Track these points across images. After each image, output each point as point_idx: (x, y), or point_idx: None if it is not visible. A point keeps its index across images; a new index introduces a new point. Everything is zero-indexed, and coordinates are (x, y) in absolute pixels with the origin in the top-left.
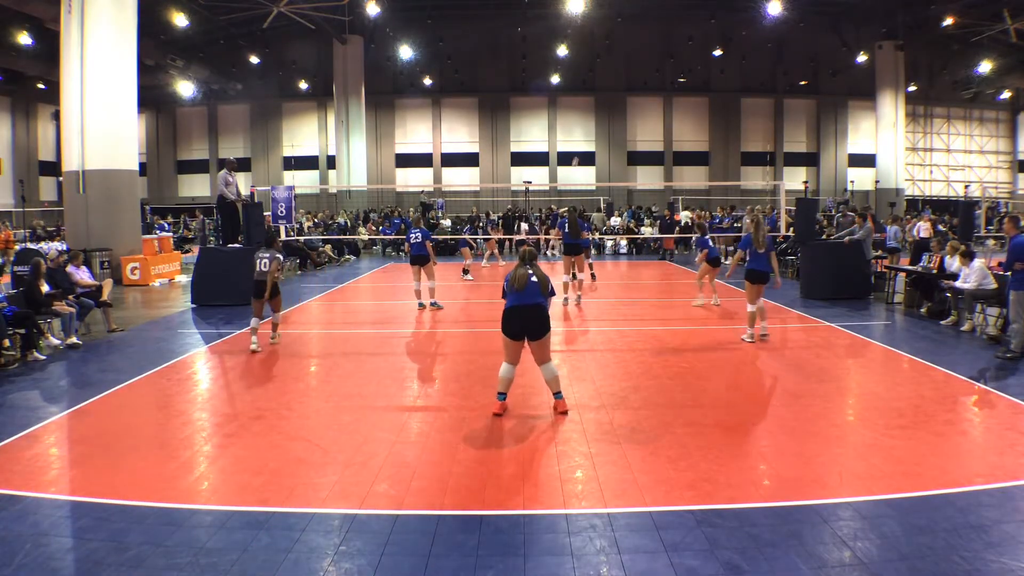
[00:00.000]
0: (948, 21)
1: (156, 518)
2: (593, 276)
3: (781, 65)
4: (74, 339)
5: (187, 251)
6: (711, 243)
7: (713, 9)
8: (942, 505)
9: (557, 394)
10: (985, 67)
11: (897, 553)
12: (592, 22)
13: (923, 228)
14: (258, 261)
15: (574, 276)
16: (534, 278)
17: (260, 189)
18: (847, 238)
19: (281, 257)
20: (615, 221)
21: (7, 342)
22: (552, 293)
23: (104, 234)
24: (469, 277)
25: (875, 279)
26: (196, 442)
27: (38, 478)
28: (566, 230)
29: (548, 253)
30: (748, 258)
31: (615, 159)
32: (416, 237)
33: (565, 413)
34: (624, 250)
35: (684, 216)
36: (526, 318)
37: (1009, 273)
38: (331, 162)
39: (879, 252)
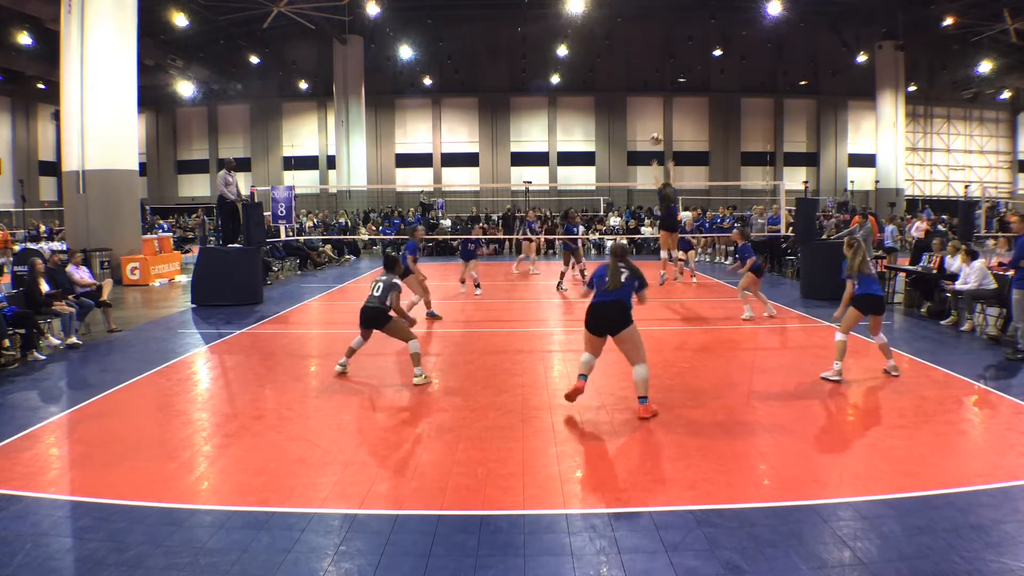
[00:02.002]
0: (948, 21)
1: (156, 518)
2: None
3: (781, 65)
4: (74, 339)
5: (187, 251)
6: (753, 251)
7: (713, 9)
8: (942, 505)
9: (641, 399)
10: (985, 67)
11: (897, 553)
12: (592, 22)
13: (919, 228)
14: (373, 285)
15: (670, 256)
16: (623, 276)
17: (260, 189)
18: (848, 238)
19: (399, 286)
20: (614, 221)
21: (7, 342)
22: (643, 286)
23: (104, 234)
24: (478, 292)
25: None
26: (196, 442)
27: (38, 478)
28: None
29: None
30: (858, 284)
31: (615, 159)
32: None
33: (644, 419)
34: None
35: (684, 216)
36: (603, 315)
37: (1011, 272)
38: (331, 162)
39: (878, 252)
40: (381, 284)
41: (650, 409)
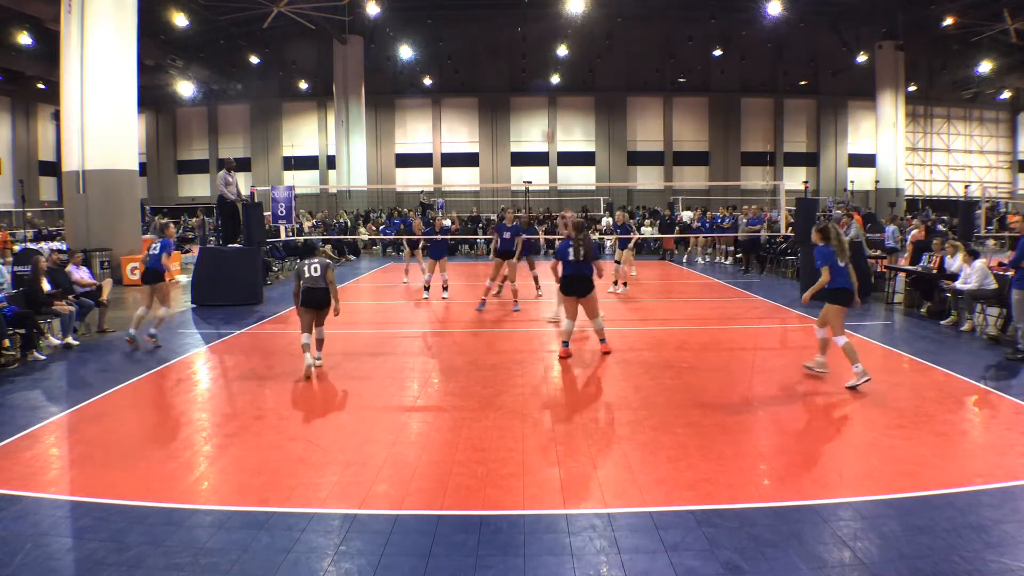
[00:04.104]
0: (948, 21)
1: (156, 518)
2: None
3: (781, 65)
4: (70, 339)
5: (187, 251)
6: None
7: (713, 9)
8: (942, 505)
9: (602, 340)
10: (985, 67)
11: (897, 553)
12: (592, 22)
13: (916, 235)
14: (307, 267)
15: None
16: (583, 252)
17: (260, 189)
18: (846, 238)
19: (331, 263)
20: (608, 221)
21: (7, 342)
22: (597, 256)
23: (104, 234)
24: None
25: (875, 279)
26: (196, 442)
27: (38, 478)
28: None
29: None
30: (832, 275)
31: (615, 159)
32: (154, 249)
33: (607, 353)
34: None
35: (686, 216)
36: (575, 283)
37: (1011, 272)
38: (331, 162)
39: (877, 252)
40: (317, 265)
41: (609, 347)
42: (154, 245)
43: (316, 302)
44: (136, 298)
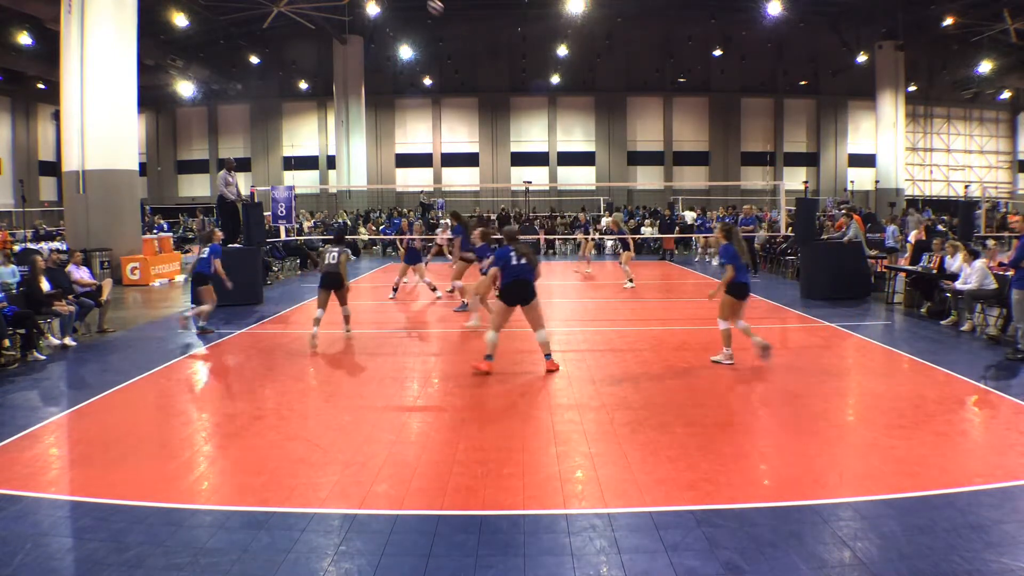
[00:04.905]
0: (948, 21)
1: (156, 518)
2: None
3: (781, 65)
4: (68, 340)
5: (187, 251)
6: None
7: (713, 9)
8: (942, 505)
9: (547, 355)
10: (985, 67)
11: (897, 553)
12: (592, 22)
13: (916, 234)
14: (327, 255)
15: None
16: (523, 259)
17: (260, 189)
18: (845, 238)
19: (348, 251)
20: (605, 222)
21: (7, 342)
22: (536, 264)
23: (104, 234)
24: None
25: (875, 279)
26: (196, 442)
27: (38, 478)
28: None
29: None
30: (735, 271)
31: (615, 159)
32: (203, 253)
33: (552, 371)
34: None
35: (689, 216)
36: (520, 291)
37: (1011, 272)
38: (331, 162)
39: (874, 252)
40: (336, 252)
41: (555, 363)
42: (203, 250)
43: (330, 283)
44: (136, 298)
